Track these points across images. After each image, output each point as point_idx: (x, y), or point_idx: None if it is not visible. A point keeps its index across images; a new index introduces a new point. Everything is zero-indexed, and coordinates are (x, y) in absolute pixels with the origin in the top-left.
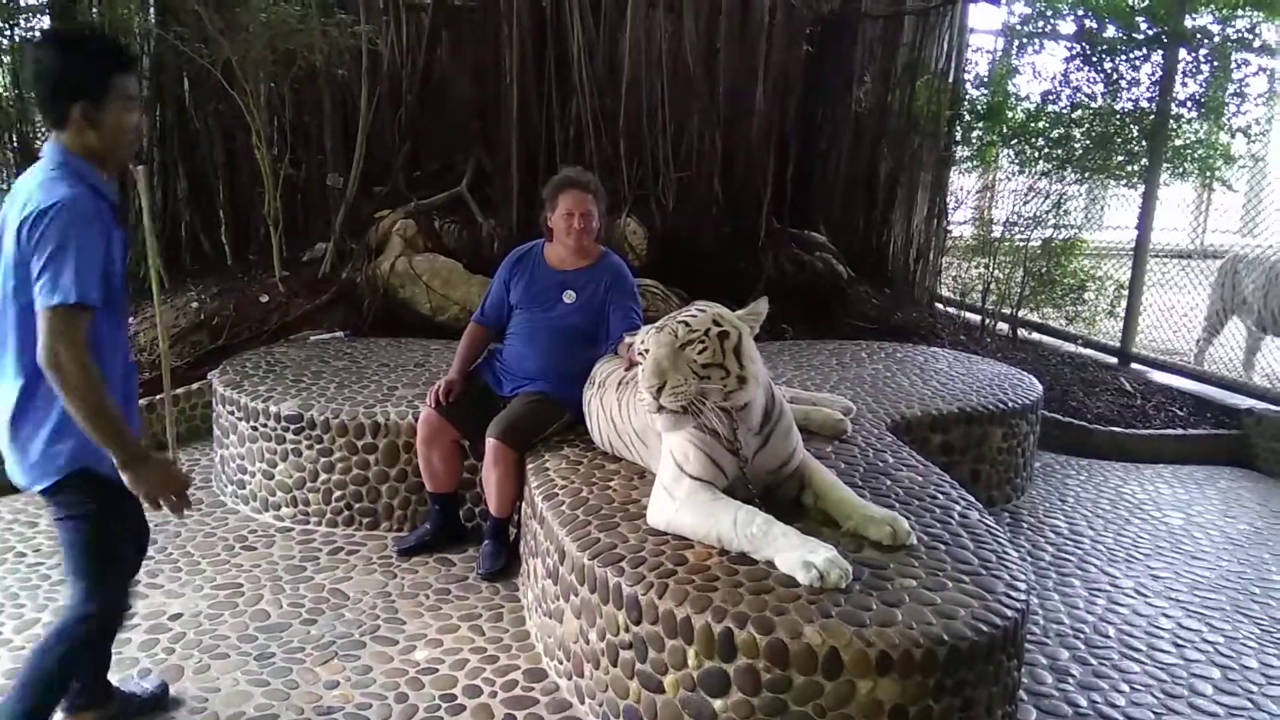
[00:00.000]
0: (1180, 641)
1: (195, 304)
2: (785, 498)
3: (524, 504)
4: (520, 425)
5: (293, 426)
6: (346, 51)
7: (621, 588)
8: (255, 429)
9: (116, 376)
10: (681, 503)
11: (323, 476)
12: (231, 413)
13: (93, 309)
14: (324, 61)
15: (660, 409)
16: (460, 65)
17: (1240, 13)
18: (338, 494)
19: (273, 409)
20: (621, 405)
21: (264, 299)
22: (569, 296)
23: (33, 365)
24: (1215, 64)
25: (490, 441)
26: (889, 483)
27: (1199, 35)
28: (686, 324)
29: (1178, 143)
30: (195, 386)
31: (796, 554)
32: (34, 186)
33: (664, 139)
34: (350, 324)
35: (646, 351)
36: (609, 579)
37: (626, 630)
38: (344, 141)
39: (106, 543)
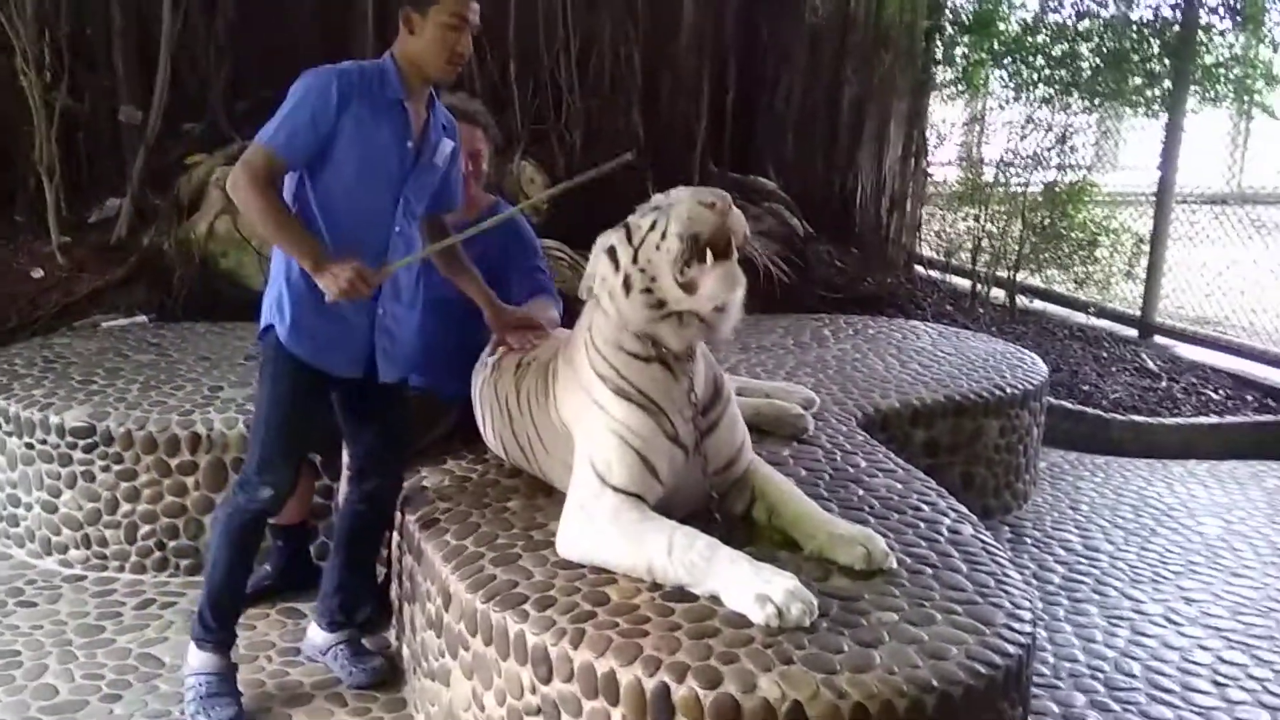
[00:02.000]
0: (1221, 679)
1: None
2: (731, 512)
3: (395, 535)
4: None
5: (82, 442)
6: None
7: (525, 637)
8: (30, 447)
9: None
10: (602, 525)
11: (124, 507)
12: None
13: (283, 161)
14: None
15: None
16: None
17: None
18: (145, 529)
19: (54, 420)
20: (522, 395)
21: (36, 274)
22: None
23: None
24: None
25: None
26: (861, 492)
27: None
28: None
29: (1208, 60)
30: None
31: (748, 586)
32: None
33: (567, 58)
34: (156, 305)
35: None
36: (509, 627)
37: (533, 691)
38: (141, 62)
39: (278, 415)
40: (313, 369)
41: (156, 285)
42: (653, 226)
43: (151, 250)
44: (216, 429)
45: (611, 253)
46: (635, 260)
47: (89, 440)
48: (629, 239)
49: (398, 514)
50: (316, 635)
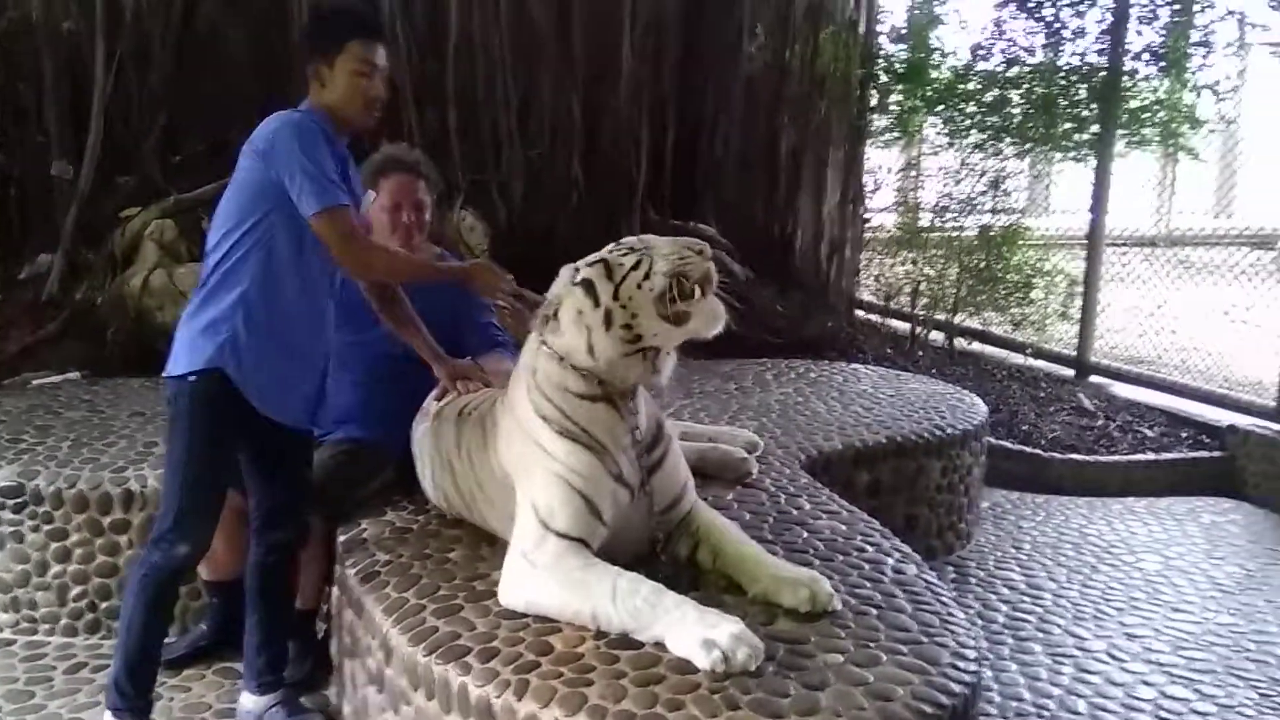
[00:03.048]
0: (1164, 714)
1: None
2: (676, 556)
3: (335, 589)
4: (326, 485)
5: (11, 502)
6: None
7: (468, 689)
8: None
9: (304, 340)
10: (545, 573)
11: (55, 568)
12: None
13: (349, 207)
14: (43, 11)
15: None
16: (234, 13)
17: None
18: (76, 590)
19: None
20: (463, 444)
21: None
22: None
23: (213, 268)
24: (1175, 7)
25: None
26: (805, 534)
27: None
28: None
29: (1133, 104)
30: None
31: (693, 631)
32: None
33: (507, 109)
34: (89, 361)
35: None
36: (451, 679)
37: None
38: (73, 117)
39: (202, 464)
40: (250, 416)
41: (89, 341)
42: (636, 265)
43: (84, 305)
44: (150, 486)
45: (589, 287)
46: (616, 296)
47: (18, 500)
48: (609, 275)
49: (338, 567)
50: (248, 701)
